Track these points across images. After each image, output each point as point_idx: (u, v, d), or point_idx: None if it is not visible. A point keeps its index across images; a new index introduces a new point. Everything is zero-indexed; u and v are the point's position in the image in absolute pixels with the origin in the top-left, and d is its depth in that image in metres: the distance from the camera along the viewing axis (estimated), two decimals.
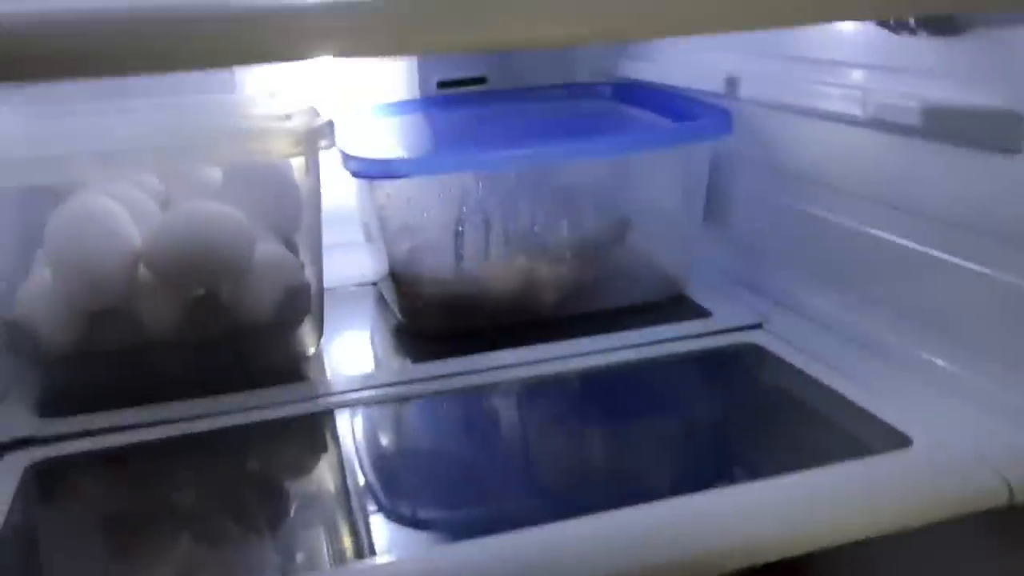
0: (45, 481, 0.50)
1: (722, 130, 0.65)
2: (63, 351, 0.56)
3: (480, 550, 0.41)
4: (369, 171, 0.61)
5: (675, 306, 0.68)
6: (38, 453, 0.52)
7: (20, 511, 0.47)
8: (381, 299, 0.73)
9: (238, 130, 0.59)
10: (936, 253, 0.52)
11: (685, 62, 0.76)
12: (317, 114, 0.59)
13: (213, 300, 0.58)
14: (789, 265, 0.66)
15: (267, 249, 0.59)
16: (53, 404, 0.56)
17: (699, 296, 0.69)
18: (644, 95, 0.77)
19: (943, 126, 0.50)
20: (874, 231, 0.56)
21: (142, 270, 0.56)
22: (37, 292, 0.56)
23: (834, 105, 0.57)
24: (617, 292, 0.68)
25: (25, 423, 0.54)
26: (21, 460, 0.51)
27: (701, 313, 0.66)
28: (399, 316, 0.67)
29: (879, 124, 0.54)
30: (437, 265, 0.65)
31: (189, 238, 0.56)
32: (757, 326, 0.63)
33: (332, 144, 0.57)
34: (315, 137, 0.56)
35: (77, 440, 0.53)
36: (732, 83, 0.68)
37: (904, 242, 0.54)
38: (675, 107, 0.71)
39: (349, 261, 0.74)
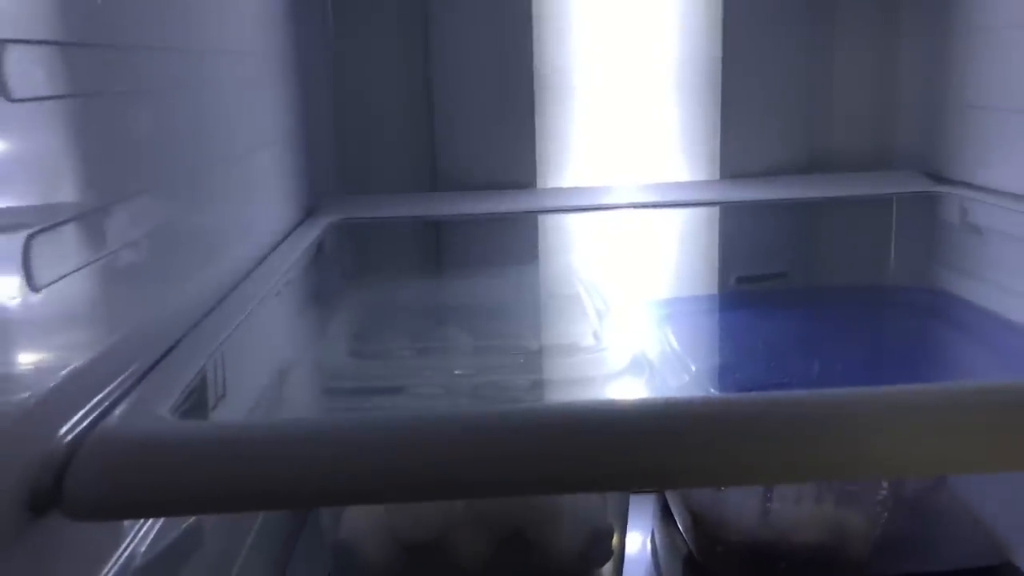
0: None
1: None
2: None
3: None
4: None
5: None
6: None
7: None
8: (666, 512, 0.71)
9: None
10: None
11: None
12: None
13: (521, 540, 0.59)
14: None
15: (575, 494, 0.59)
16: None
17: None
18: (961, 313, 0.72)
19: None
20: None
21: (459, 508, 0.58)
22: (363, 517, 0.59)
23: None
24: (933, 553, 0.63)
25: None
26: None
27: None
28: (694, 554, 0.66)
29: None
30: (743, 509, 0.63)
31: None
32: None
33: None
34: None
35: None
36: None
37: None
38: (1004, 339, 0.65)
39: None
